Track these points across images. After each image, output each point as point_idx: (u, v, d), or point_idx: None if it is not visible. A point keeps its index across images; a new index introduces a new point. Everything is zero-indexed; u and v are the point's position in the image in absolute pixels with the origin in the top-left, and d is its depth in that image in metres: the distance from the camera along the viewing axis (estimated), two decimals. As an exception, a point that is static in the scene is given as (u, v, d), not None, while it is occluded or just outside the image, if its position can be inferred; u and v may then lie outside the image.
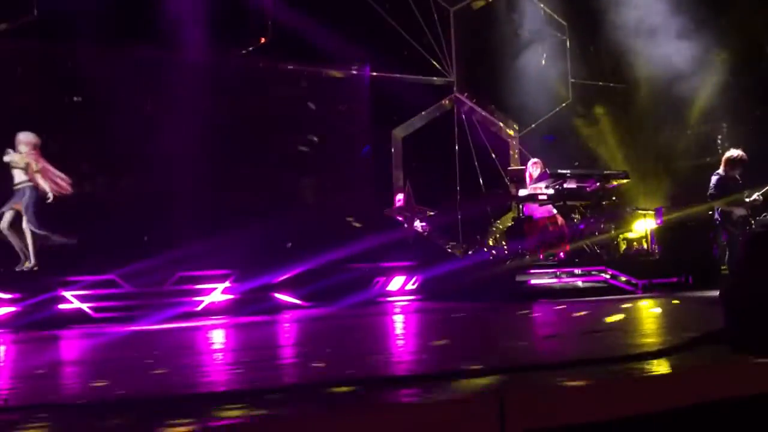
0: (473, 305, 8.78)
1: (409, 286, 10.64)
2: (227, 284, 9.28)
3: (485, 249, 12.79)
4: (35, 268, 8.87)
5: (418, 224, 12.39)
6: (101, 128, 10.69)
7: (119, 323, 8.15)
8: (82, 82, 10.96)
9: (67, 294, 8.63)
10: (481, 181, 14.09)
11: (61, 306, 8.59)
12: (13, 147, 8.91)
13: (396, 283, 10.55)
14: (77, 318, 8.53)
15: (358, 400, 2.91)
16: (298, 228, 11.74)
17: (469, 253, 12.63)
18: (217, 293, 9.25)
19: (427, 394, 2.83)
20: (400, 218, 12.22)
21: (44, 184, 8.90)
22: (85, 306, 8.70)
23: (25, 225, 8.83)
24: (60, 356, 5.90)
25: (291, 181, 12.55)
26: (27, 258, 8.89)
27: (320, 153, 12.75)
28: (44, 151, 9.18)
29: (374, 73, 13.58)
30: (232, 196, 11.57)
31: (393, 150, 13.81)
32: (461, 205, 13.66)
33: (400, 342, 5.80)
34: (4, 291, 8.21)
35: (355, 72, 13.57)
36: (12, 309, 8.21)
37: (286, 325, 7.76)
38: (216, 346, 6.02)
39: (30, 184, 8.85)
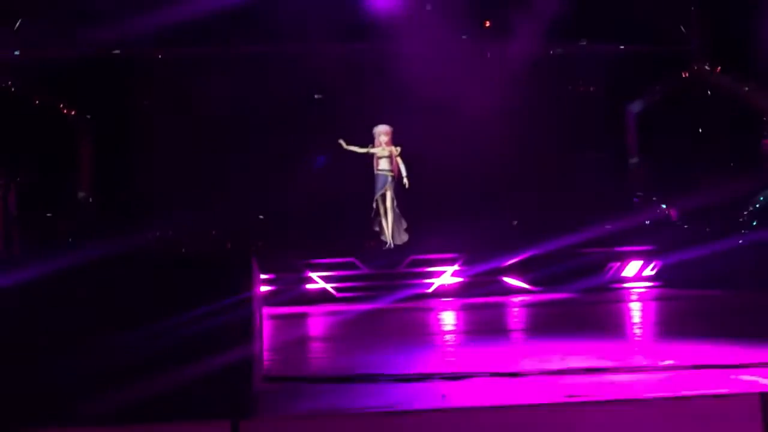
0: (722, 294, 7.99)
1: (647, 272, 9.97)
2: (456, 267, 9.45)
3: (741, 232, 11.46)
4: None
5: (662, 207, 11.50)
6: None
7: (359, 302, 8.70)
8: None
9: (314, 275, 9.40)
10: (731, 158, 12.70)
11: (309, 286, 9.39)
12: None
13: (632, 268, 9.95)
14: (322, 297, 9.27)
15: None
16: (532, 211, 11.42)
17: (721, 237, 11.41)
18: (447, 276, 9.47)
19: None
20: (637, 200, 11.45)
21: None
22: (329, 286, 9.42)
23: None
24: (308, 332, 6.49)
25: (529, 164, 12.08)
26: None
27: (555, 137, 12.16)
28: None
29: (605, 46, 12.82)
30: (467, 180, 11.46)
31: (628, 127, 12.99)
32: (710, 185, 12.39)
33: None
34: (264, 272, 9.14)
35: (584, 46, 12.93)
36: (268, 288, 9.13)
37: (515, 309, 7.73)
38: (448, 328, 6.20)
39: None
